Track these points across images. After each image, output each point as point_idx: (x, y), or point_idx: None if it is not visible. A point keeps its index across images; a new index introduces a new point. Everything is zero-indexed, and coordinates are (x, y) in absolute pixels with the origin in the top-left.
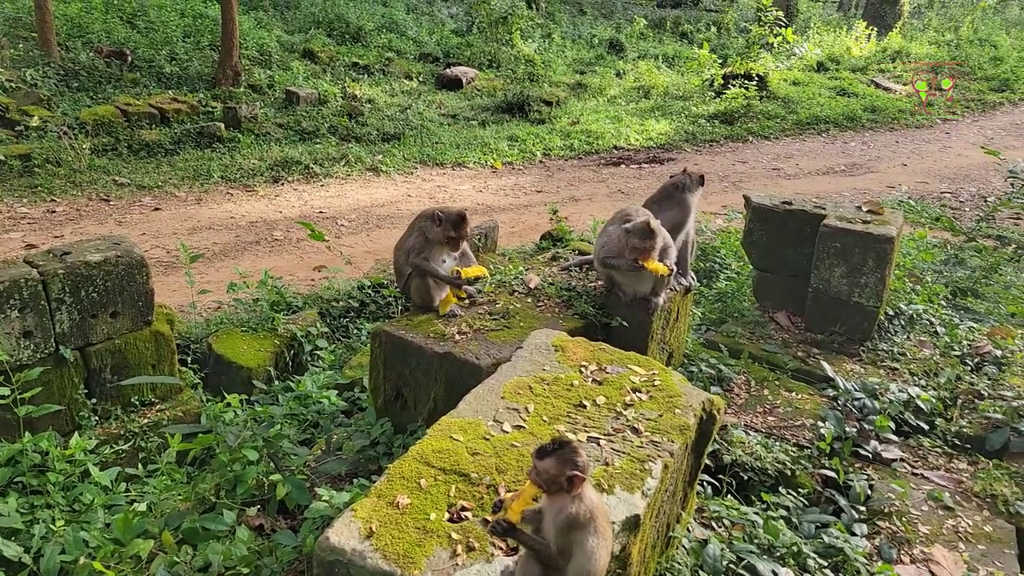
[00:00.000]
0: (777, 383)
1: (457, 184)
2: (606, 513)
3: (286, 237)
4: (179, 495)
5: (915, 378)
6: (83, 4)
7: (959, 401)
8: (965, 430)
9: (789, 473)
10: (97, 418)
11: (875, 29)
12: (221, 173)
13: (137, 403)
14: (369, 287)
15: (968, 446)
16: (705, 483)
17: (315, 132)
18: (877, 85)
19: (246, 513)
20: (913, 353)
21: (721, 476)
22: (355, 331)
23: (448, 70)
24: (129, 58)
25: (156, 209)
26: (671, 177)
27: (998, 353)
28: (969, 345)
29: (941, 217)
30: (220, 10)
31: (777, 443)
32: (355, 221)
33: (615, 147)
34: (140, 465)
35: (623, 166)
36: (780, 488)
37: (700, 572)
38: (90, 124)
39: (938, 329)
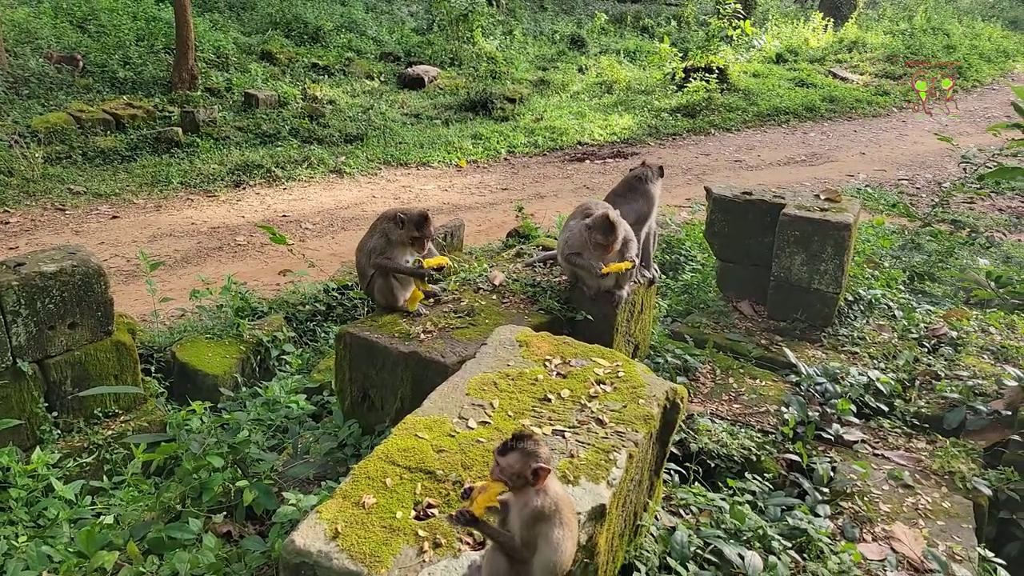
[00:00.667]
0: (742, 371)
1: (422, 184)
2: (571, 504)
3: (249, 242)
4: (145, 506)
5: (874, 361)
6: (31, 9)
7: (917, 382)
8: (923, 410)
9: (755, 459)
10: (59, 431)
11: (831, 20)
12: (180, 179)
13: (100, 415)
14: (335, 290)
15: (926, 425)
16: (673, 471)
17: (276, 135)
18: (835, 75)
19: (213, 520)
20: (872, 337)
21: (688, 464)
22: (322, 334)
23: (410, 69)
24: (80, 63)
25: (114, 217)
26: (631, 170)
27: (954, 335)
28: (926, 328)
29: (898, 204)
30: (173, 12)
31: (743, 430)
32: (319, 224)
33: (579, 143)
34: (105, 477)
35: (588, 161)
36: (746, 473)
37: (668, 559)
38: (42, 132)
39: (896, 313)
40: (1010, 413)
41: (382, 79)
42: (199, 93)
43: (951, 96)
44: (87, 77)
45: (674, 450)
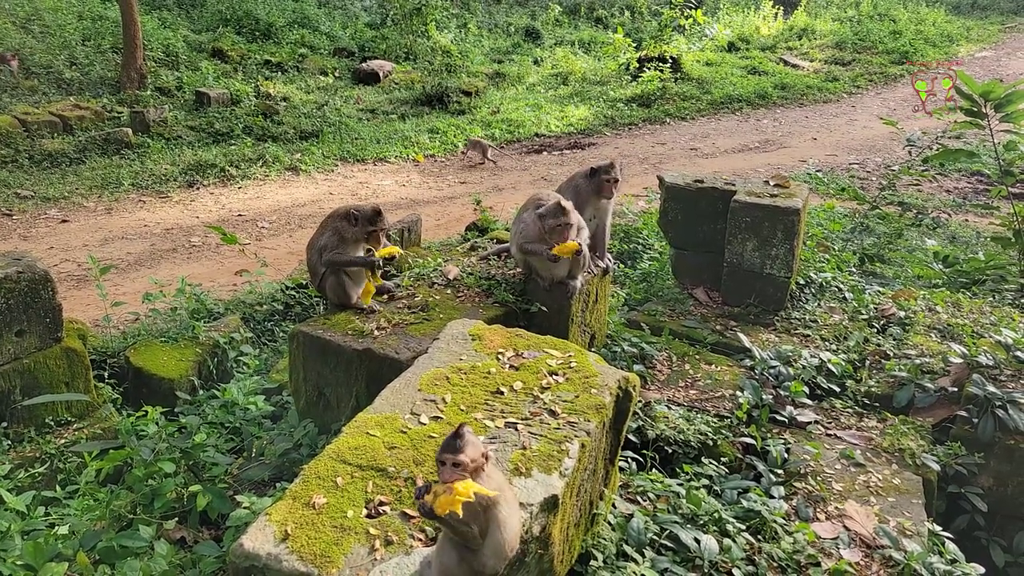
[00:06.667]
0: (697, 357)
1: (379, 179)
2: (508, 483)
3: (204, 243)
4: (97, 515)
5: (826, 343)
6: None
7: (867, 362)
8: (873, 390)
9: (711, 443)
10: (9, 442)
11: (781, 8)
12: (132, 180)
13: (52, 423)
14: (292, 288)
15: (877, 404)
16: (630, 459)
17: (229, 133)
18: (786, 63)
19: (165, 527)
20: (824, 319)
21: (646, 451)
22: (281, 334)
23: (364, 64)
24: (14, 63)
25: (64, 221)
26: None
27: (902, 314)
28: (875, 308)
29: (847, 187)
30: (120, 11)
31: (699, 415)
32: (276, 222)
33: (536, 135)
34: (59, 487)
35: (545, 153)
36: (703, 458)
37: (625, 546)
38: None
39: (846, 295)
40: (956, 390)
41: (336, 75)
42: (149, 93)
43: (950, 96)
44: (32, 79)
45: (632, 438)
